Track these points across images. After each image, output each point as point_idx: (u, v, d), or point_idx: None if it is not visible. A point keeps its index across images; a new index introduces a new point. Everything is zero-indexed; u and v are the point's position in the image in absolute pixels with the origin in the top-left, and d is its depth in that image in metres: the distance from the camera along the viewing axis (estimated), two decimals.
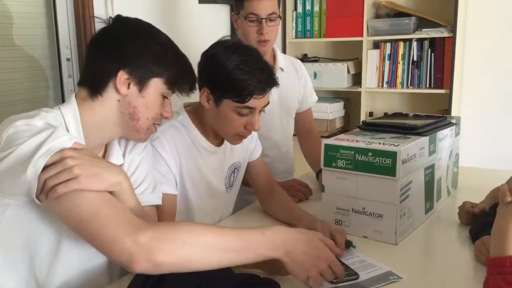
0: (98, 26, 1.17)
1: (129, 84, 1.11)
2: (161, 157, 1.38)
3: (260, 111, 1.42)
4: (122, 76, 1.10)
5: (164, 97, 1.17)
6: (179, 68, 1.17)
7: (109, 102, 1.12)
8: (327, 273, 1.03)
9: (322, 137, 2.39)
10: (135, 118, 1.14)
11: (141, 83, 1.12)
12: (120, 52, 1.11)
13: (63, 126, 1.08)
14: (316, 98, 2.17)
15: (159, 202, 1.27)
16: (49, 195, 0.93)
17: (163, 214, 1.32)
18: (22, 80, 2.00)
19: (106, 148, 1.21)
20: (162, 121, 1.21)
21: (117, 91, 1.11)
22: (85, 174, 0.95)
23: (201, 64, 1.41)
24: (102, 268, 1.19)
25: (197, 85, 1.36)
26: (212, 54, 1.38)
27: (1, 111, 1.91)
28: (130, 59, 1.11)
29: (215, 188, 1.54)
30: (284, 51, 3.40)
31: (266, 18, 1.82)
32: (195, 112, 1.49)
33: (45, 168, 0.93)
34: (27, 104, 2.00)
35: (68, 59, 2.10)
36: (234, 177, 1.60)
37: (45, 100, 2.08)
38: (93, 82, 1.12)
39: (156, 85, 1.14)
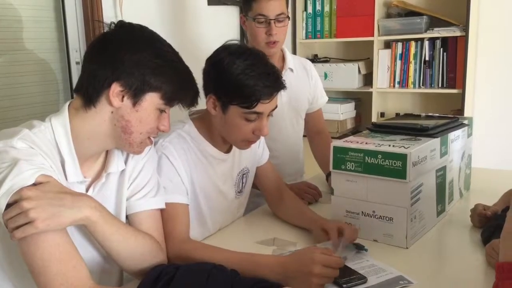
0: (107, 28, 1.12)
1: (123, 97, 1.07)
2: (172, 166, 1.35)
3: (268, 115, 1.40)
4: (116, 88, 1.05)
5: (161, 110, 1.12)
6: (178, 83, 1.11)
7: (102, 114, 1.08)
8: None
9: (333, 138, 2.37)
10: (127, 132, 1.09)
11: (136, 97, 1.07)
12: (116, 62, 1.05)
13: (52, 140, 1.05)
14: (326, 98, 2.15)
15: (162, 206, 1.25)
16: (10, 236, 0.93)
17: (177, 224, 1.31)
18: (32, 83, 2.01)
19: (107, 155, 1.18)
20: (158, 134, 1.17)
21: (110, 103, 1.06)
22: (42, 217, 0.92)
23: (206, 71, 1.39)
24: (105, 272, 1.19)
25: (203, 92, 1.35)
26: (217, 60, 1.35)
27: (12, 115, 1.92)
28: (126, 70, 1.05)
29: (225, 195, 1.53)
30: (294, 51, 3.39)
31: (274, 19, 1.81)
32: (202, 120, 1.46)
33: (9, 205, 0.92)
34: (37, 107, 2.02)
35: (77, 63, 2.11)
36: (243, 183, 1.59)
37: (55, 103, 2.10)
38: (87, 92, 1.07)
39: (152, 99, 1.09)
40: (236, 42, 1.42)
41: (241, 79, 1.30)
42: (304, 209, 1.55)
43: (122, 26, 1.11)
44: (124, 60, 1.05)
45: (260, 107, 1.33)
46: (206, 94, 1.39)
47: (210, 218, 1.49)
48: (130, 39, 1.08)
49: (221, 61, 1.33)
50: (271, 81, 1.33)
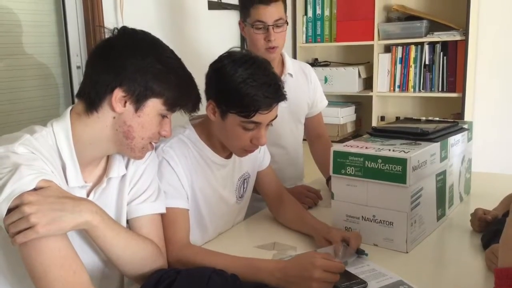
0: (108, 33, 1.12)
1: (125, 102, 1.07)
2: (173, 171, 1.35)
3: (268, 125, 1.40)
4: (118, 93, 1.06)
5: (163, 116, 1.13)
6: (180, 89, 1.12)
7: (104, 119, 1.08)
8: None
9: (333, 141, 2.37)
10: (129, 137, 1.10)
11: (138, 103, 1.08)
12: (119, 68, 1.06)
13: (53, 145, 1.06)
14: (326, 102, 2.15)
15: (162, 211, 1.25)
16: (12, 241, 0.93)
17: (178, 229, 1.31)
18: (33, 88, 2.01)
19: (108, 159, 1.19)
20: (160, 139, 1.18)
21: (112, 108, 1.07)
22: (43, 222, 0.92)
23: (208, 76, 1.39)
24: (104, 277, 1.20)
25: (204, 96, 1.35)
26: (219, 67, 1.34)
27: (13, 119, 1.92)
28: (128, 76, 1.06)
29: (226, 201, 1.53)
30: (294, 55, 3.39)
31: (273, 25, 1.81)
32: (203, 125, 1.47)
33: (9, 210, 0.92)
34: (38, 112, 2.02)
35: (78, 67, 2.10)
36: (244, 188, 1.59)
37: (56, 108, 2.09)
38: (90, 97, 1.08)
39: (154, 105, 1.09)
40: (240, 49, 1.42)
41: (242, 88, 1.30)
42: (305, 215, 1.54)
43: (125, 32, 1.12)
44: (127, 65, 1.06)
45: (258, 117, 1.33)
46: (207, 99, 1.39)
47: (211, 223, 1.49)
48: (133, 45, 1.09)
49: (223, 68, 1.33)
50: (271, 92, 1.32)
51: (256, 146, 1.42)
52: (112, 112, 1.08)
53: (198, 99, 1.19)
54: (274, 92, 1.34)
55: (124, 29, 1.12)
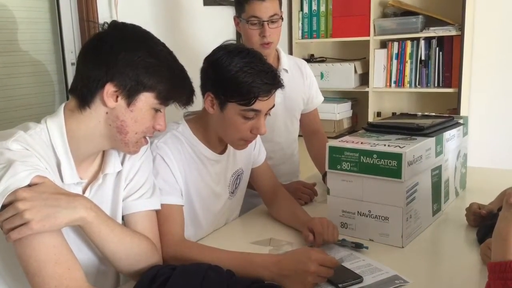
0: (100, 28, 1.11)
1: (117, 97, 1.06)
2: (167, 167, 1.35)
3: (266, 114, 1.40)
4: (109, 88, 1.05)
5: (157, 110, 1.12)
6: (173, 82, 1.11)
7: (96, 115, 1.07)
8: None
9: (330, 137, 2.37)
10: (123, 132, 1.09)
11: (130, 97, 1.07)
12: (109, 62, 1.04)
13: (47, 141, 1.05)
14: (322, 98, 2.15)
15: (157, 207, 1.25)
16: (6, 238, 0.93)
17: (172, 225, 1.31)
18: (27, 85, 2.00)
19: (104, 156, 1.18)
20: (154, 133, 1.17)
21: (104, 103, 1.06)
22: (37, 218, 0.92)
23: (204, 69, 1.39)
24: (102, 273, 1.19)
25: (200, 91, 1.34)
26: (214, 59, 1.35)
27: (8, 116, 1.92)
28: (119, 70, 1.04)
29: (218, 196, 1.53)
30: (290, 51, 3.39)
31: (268, 21, 1.81)
32: (197, 121, 1.47)
33: (4, 207, 0.92)
34: (33, 108, 2.01)
35: (73, 64, 2.09)
36: (236, 184, 1.59)
37: (51, 105, 2.09)
38: (82, 93, 1.07)
39: (146, 99, 1.08)
40: (233, 42, 1.43)
41: (239, 76, 1.30)
42: (297, 210, 1.55)
43: (115, 26, 1.11)
44: (118, 60, 1.05)
45: (258, 105, 1.33)
46: (203, 93, 1.39)
47: (204, 218, 1.49)
48: (123, 39, 1.08)
49: (219, 59, 1.33)
50: (269, 78, 1.33)
51: (255, 136, 1.42)
52: (104, 107, 1.07)
53: (191, 92, 1.17)
54: (272, 78, 1.34)
55: (114, 24, 1.11)
